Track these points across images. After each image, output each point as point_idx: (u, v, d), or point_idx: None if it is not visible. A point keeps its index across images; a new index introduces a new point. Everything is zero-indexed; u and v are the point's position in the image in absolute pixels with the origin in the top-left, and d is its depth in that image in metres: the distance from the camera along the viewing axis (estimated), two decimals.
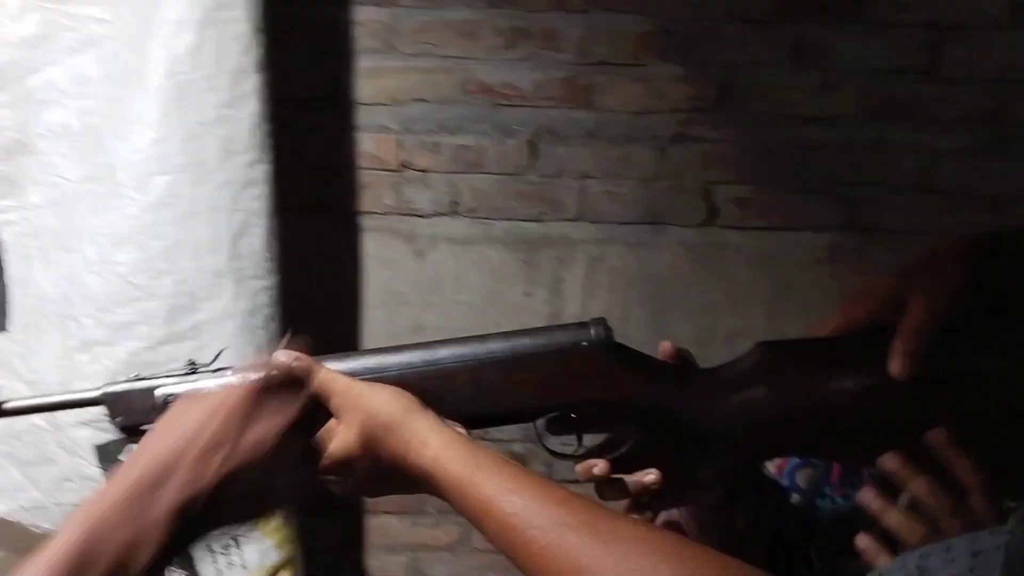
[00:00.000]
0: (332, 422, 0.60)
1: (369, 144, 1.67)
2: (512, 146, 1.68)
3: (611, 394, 0.65)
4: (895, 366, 0.60)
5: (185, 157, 1.31)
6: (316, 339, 0.65)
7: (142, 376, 0.67)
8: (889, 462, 0.59)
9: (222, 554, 1.42)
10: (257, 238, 1.37)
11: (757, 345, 0.66)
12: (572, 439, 0.66)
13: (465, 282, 1.72)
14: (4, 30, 1.30)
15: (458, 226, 1.71)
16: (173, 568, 1.27)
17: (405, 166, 1.68)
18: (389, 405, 0.59)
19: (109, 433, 1.36)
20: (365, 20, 1.62)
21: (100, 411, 1.10)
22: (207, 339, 1.35)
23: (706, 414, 0.64)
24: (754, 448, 0.65)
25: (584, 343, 0.65)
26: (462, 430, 0.60)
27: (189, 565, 1.44)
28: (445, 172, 1.69)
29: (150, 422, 0.63)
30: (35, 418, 1.36)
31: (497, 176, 1.69)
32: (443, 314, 1.69)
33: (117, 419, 0.67)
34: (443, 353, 0.64)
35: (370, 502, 1.82)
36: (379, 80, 1.64)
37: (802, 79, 1.67)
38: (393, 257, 1.71)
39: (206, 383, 0.65)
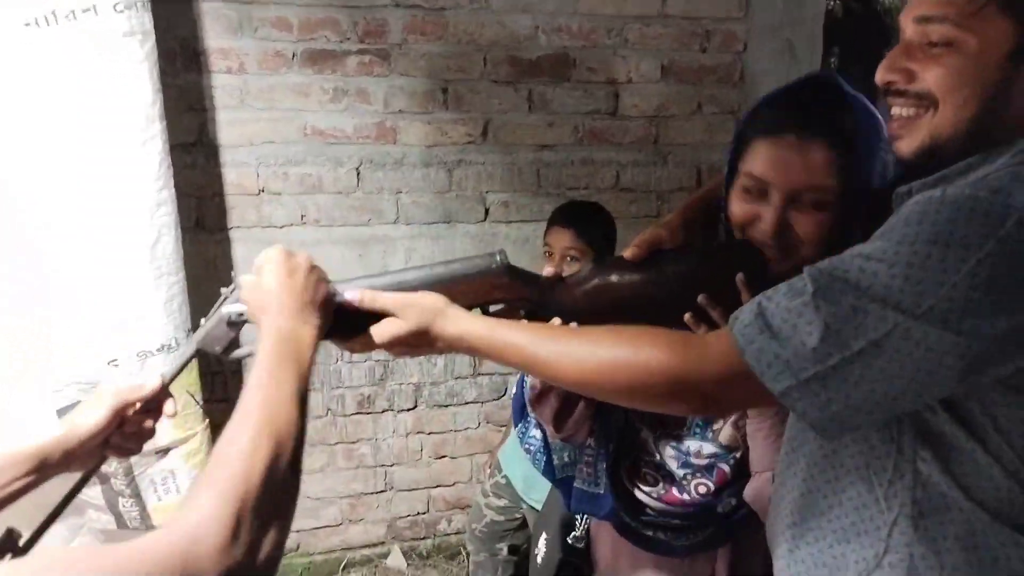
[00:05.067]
0: (386, 320, 0.87)
1: (233, 176, 2.15)
2: (343, 172, 2.25)
3: (510, 294, 0.96)
4: (627, 253, 1.00)
5: (110, 185, 1.70)
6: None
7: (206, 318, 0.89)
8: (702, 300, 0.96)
9: (161, 485, 1.83)
10: (169, 245, 1.80)
11: (591, 262, 1.04)
12: None
13: None
14: None
15: (307, 233, 2.24)
16: (125, 496, 1.75)
17: (263, 191, 2.19)
18: (433, 302, 0.88)
19: (68, 400, 1.72)
20: (223, 84, 2.11)
21: None
22: (141, 323, 1.77)
23: (562, 301, 0.99)
24: (590, 318, 0.94)
25: (494, 265, 0.94)
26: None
27: (135, 497, 1.83)
28: (294, 194, 2.21)
29: (230, 341, 0.88)
30: (4, 389, 1.69)
31: (333, 195, 2.25)
32: None
33: (214, 351, 0.89)
34: (411, 275, 0.92)
35: None
36: (237, 128, 2.13)
37: (535, 120, 2.37)
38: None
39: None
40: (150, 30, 1.70)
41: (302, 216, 2.23)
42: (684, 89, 2.48)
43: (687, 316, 0.96)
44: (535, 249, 2.31)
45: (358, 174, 2.26)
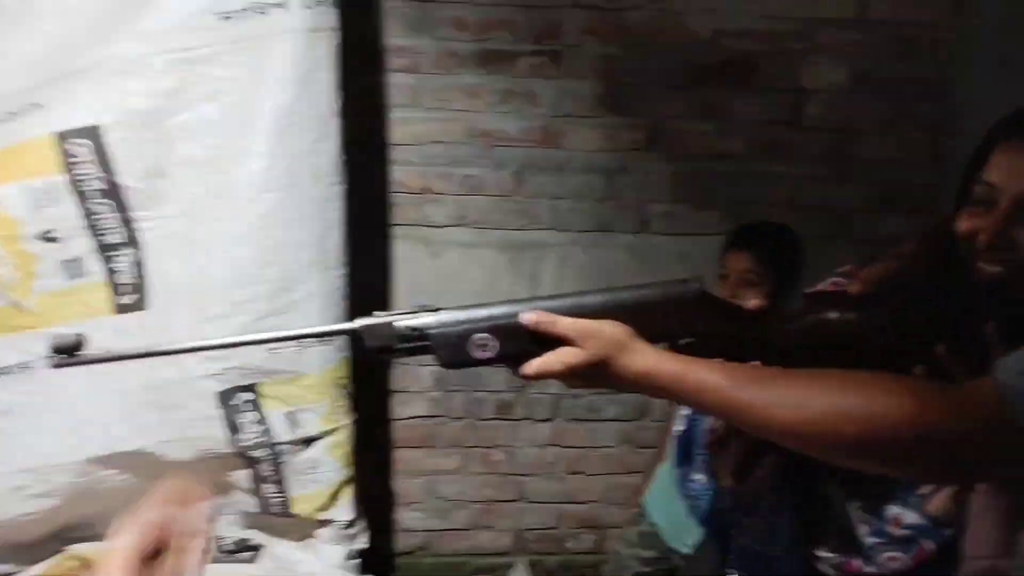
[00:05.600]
0: (562, 348, 0.80)
1: (399, 174, 2.17)
2: (503, 175, 2.21)
3: (704, 327, 0.85)
4: (851, 288, 0.91)
5: (286, 179, 1.72)
6: (364, 313, 0.84)
7: (380, 313, 0.84)
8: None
9: (305, 475, 1.86)
10: (336, 239, 1.81)
11: (803, 295, 0.93)
12: None
13: (468, 276, 2.23)
14: (151, 84, 1.66)
15: (464, 234, 2.22)
16: (269, 482, 1.74)
17: (425, 190, 2.19)
18: (617, 333, 0.80)
19: (228, 384, 1.78)
20: (397, 83, 2.12)
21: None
22: (300, 313, 1.79)
23: (767, 339, 0.87)
24: (798, 361, 0.80)
25: (688, 293, 0.85)
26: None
27: (278, 484, 1.86)
28: (455, 195, 2.20)
29: (389, 345, 0.83)
30: (170, 372, 1.75)
31: (492, 197, 2.22)
32: (452, 300, 2.18)
33: (369, 343, 0.83)
34: (592, 299, 0.83)
35: (395, 439, 2.30)
36: (407, 127, 2.14)
37: (707, 128, 2.23)
38: (415, 257, 2.20)
39: (427, 318, 0.82)
40: (336, 27, 1.71)
41: (461, 217, 2.21)
42: (878, 101, 2.26)
43: (920, 370, 0.82)
44: (693, 265, 2.19)
45: (519, 177, 2.21)
